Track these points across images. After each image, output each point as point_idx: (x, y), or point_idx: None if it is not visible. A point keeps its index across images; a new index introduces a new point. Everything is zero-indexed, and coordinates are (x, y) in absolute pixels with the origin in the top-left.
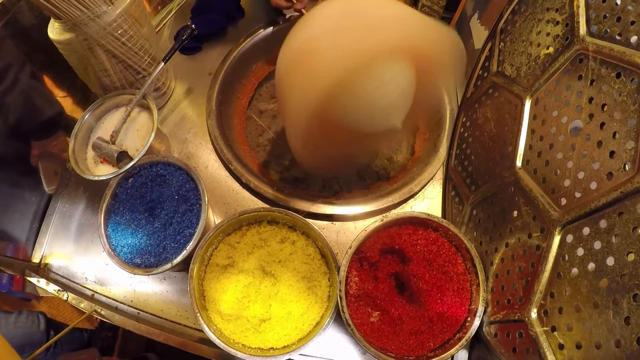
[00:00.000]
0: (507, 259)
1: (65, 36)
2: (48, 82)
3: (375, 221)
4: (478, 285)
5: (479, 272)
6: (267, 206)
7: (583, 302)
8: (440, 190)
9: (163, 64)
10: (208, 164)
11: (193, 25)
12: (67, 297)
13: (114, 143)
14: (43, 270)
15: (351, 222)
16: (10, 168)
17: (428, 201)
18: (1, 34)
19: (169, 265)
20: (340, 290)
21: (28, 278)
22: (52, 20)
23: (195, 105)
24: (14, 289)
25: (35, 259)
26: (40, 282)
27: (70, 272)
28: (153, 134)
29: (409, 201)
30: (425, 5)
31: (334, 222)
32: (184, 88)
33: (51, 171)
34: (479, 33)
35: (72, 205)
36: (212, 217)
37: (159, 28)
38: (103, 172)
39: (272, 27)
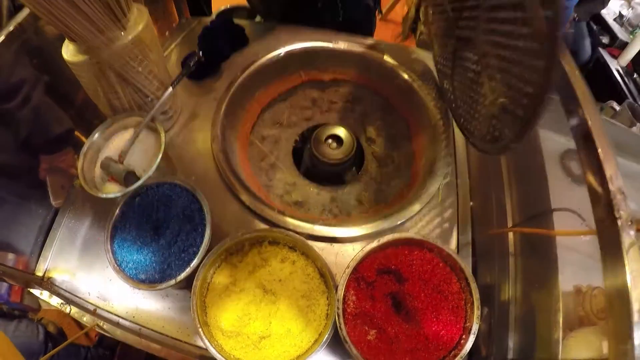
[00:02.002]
0: None
1: (79, 58)
2: (59, 99)
3: (372, 242)
4: (472, 303)
5: (472, 291)
6: (268, 227)
7: None
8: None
9: (171, 88)
10: (212, 186)
11: (200, 52)
12: (70, 310)
13: (122, 163)
14: (46, 283)
15: (349, 244)
16: (19, 181)
17: (424, 223)
18: (17, 52)
19: (172, 282)
20: (338, 308)
21: (31, 290)
22: (66, 42)
23: (200, 129)
24: (12, 300)
25: (39, 271)
26: (43, 295)
27: (74, 286)
28: (160, 156)
29: (406, 223)
30: (423, 32)
31: (333, 244)
32: (190, 112)
33: (58, 185)
34: None
35: (78, 222)
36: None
37: (166, 53)
38: (111, 190)
39: (274, 57)
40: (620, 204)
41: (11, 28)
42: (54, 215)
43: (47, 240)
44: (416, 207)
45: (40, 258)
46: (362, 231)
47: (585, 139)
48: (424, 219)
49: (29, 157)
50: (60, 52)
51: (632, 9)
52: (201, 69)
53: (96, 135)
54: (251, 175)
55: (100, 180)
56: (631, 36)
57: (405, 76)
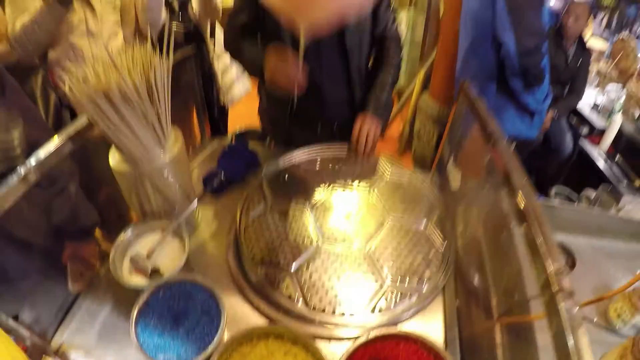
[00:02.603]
0: None
1: (124, 167)
2: (90, 195)
3: (363, 336)
4: None
5: None
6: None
7: None
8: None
9: (196, 201)
10: (226, 286)
11: (222, 172)
12: None
13: (149, 259)
14: (61, 355)
15: (346, 341)
16: (44, 261)
17: (414, 321)
18: (66, 150)
19: None
20: None
21: (46, 357)
22: (113, 151)
23: (217, 237)
24: None
25: (55, 344)
26: None
27: None
28: (184, 259)
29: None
30: (418, 148)
31: (331, 341)
32: (209, 222)
33: (77, 273)
34: None
35: (99, 306)
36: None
37: (191, 168)
38: (138, 281)
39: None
40: (559, 282)
41: (71, 133)
42: (74, 298)
43: (66, 318)
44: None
45: (57, 333)
46: (355, 331)
47: (521, 219)
48: (414, 317)
49: (56, 241)
50: (99, 153)
51: (605, 95)
52: (220, 186)
53: (129, 232)
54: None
55: (127, 271)
56: (608, 121)
57: None
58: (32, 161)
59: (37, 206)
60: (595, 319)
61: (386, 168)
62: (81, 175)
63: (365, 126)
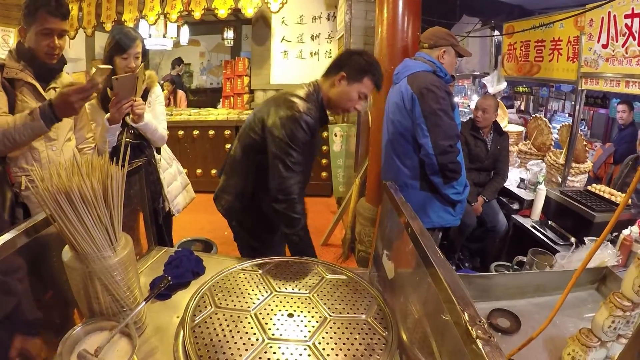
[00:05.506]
0: None
1: (75, 264)
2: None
3: None
4: None
5: None
6: None
7: None
8: None
9: (144, 303)
10: None
11: (169, 277)
12: None
13: (96, 357)
14: None
15: None
16: None
17: None
18: (22, 249)
19: None
20: None
21: None
22: (67, 249)
23: (163, 340)
24: None
25: None
26: None
27: None
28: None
29: None
30: (361, 250)
31: None
32: (155, 325)
33: None
34: None
35: None
36: None
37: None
38: None
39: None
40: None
41: (23, 228)
42: None
43: None
44: None
45: None
46: None
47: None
48: None
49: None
50: (50, 250)
51: (528, 171)
52: (167, 290)
53: (77, 328)
54: None
55: None
56: (534, 193)
57: None
58: None
59: None
60: None
61: (324, 272)
62: (29, 271)
63: None
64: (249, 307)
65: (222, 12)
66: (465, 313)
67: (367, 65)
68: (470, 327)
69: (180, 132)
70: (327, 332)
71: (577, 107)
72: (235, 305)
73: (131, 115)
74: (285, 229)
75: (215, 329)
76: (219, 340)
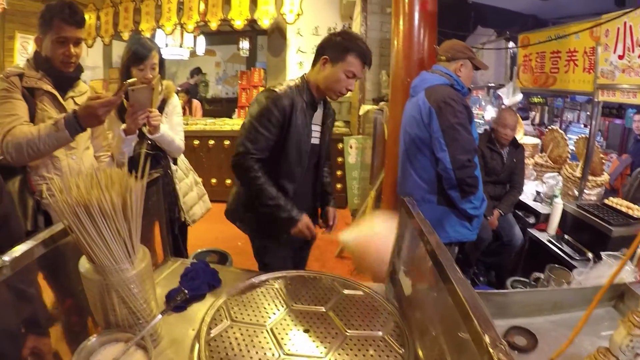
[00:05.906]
0: None
1: (93, 276)
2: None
3: None
4: None
5: None
6: None
7: None
8: None
9: (160, 316)
10: None
11: (186, 290)
12: None
13: None
14: None
15: None
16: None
17: None
18: (40, 259)
19: None
20: None
21: None
22: (84, 259)
23: (179, 352)
24: None
25: None
26: None
27: None
28: None
29: None
30: None
31: None
32: (171, 337)
33: None
34: None
35: None
36: None
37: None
38: None
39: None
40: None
41: (41, 238)
42: None
43: None
44: None
45: None
46: None
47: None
48: None
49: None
50: (68, 261)
51: (544, 184)
52: (183, 303)
53: (93, 340)
54: None
55: None
56: (550, 207)
57: None
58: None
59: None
60: None
61: (340, 287)
62: (46, 281)
63: None
64: (265, 321)
65: (238, 23)
66: (486, 335)
67: (347, 42)
68: (491, 350)
69: (196, 142)
70: (343, 349)
71: (594, 121)
72: (251, 320)
73: (147, 127)
74: (242, 186)
75: (231, 342)
76: (235, 355)
